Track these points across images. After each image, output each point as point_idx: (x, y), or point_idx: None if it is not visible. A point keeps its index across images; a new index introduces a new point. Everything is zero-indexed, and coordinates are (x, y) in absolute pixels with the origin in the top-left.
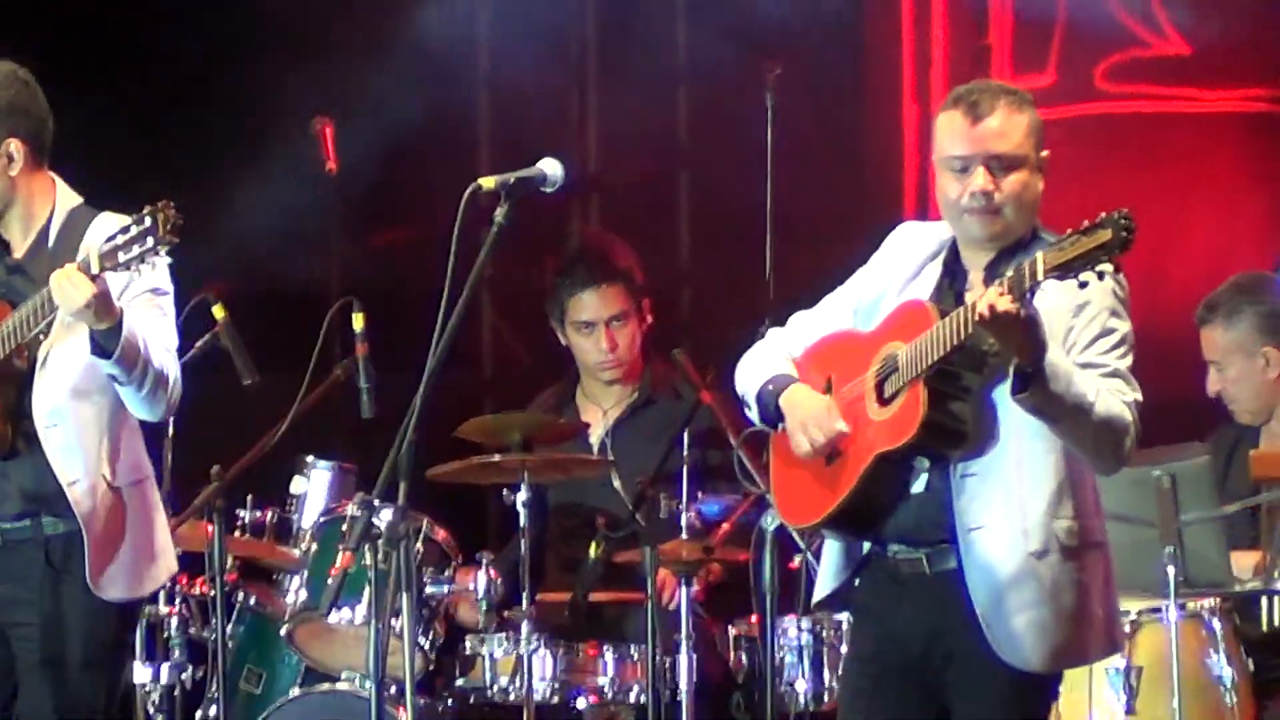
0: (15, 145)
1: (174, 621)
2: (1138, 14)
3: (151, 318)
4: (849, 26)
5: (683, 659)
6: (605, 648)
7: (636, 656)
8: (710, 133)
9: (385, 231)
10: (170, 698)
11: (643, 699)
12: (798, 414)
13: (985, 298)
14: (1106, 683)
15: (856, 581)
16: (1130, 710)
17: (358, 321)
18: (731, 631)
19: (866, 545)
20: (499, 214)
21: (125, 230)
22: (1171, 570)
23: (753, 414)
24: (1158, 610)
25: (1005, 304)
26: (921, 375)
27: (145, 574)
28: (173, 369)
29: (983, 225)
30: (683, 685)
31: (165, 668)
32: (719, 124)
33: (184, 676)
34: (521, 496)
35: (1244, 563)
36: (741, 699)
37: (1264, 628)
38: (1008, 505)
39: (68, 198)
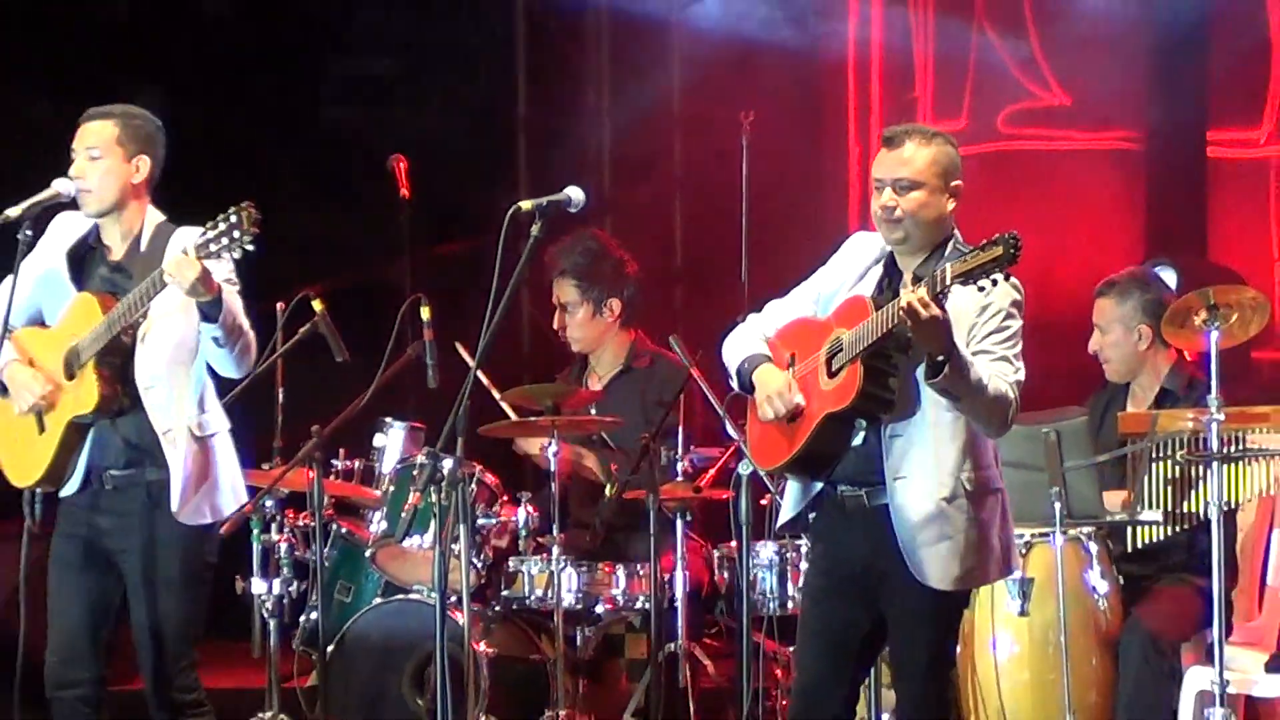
0: (145, 162)
1: (283, 546)
2: (1029, 72)
3: (232, 298)
4: (807, 83)
5: (679, 575)
6: (618, 566)
7: (642, 573)
8: (698, 166)
9: (446, 243)
10: (280, 605)
11: (647, 606)
12: (765, 389)
13: (905, 297)
14: (1006, 590)
15: (812, 514)
16: (1023, 612)
17: (425, 313)
18: (716, 554)
19: (819, 485)
20: (535, 229)
21: (215, 225)
22: (1057, 505)
23: (734, 383)
24: (1046, 535)
25: (922, 303)
26: (860, 355)
27: (218, 505)
28: (252, 337)
29: (888, 230)
30: (679, 595)
31: (276, 582)
32: (705, 160)
33: (291, 589)
34: (552, 448)
35: (1114, 499)
36: (724, 605)
37: (1129, 549)
38: (925, 460)
39: (155, 216)
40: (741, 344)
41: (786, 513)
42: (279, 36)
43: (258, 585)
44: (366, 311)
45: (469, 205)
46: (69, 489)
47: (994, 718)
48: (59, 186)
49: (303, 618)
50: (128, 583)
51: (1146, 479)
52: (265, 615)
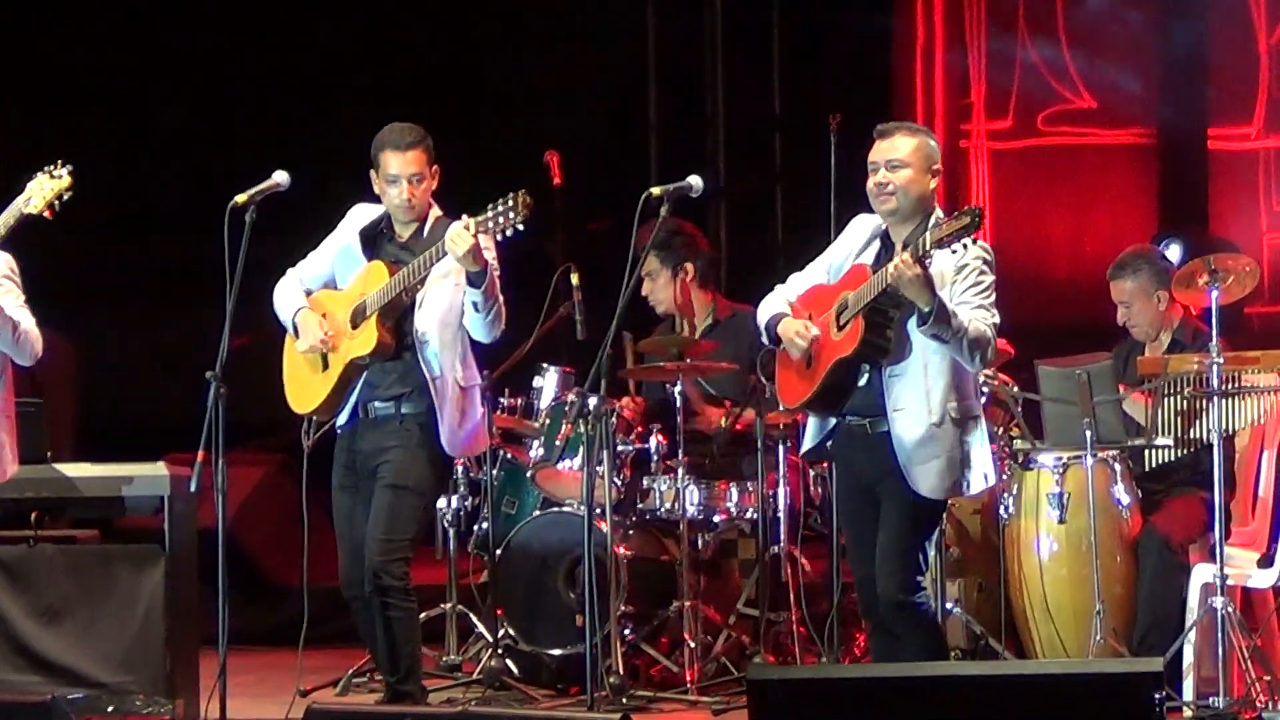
0: (437, 169)
1: (460, 468)
2: (1063, 81)
3: (494, 277)
4: (881, 90)
5: (781, 490)
6: (731, 484)
7: (751, 489)
8: (796, 160)
9: (591, 222)
10: (458, 516)
11: (755, 515)
12: (788, 332)
13: (894, 262)
14: (1046, 501)
15: (830, 443)
16: (1062, 520)
17: (574, 279)
18: (811, 473)
19: (834, 419)
20: (663, 210)
21: (495, 206)
22: (1089, 433)
23: (765, 339)
24: (1079, 457)
25: (906, 264)
26: (861, 311)
27: (472, 444)
28: (503, 311)
29: (881, 203)
30: (781, 506)
31: (454, 497)
32: (801, 154)
33: (466, 503)
34: (678, 388)
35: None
36: (818, 515)
37: (1146, 468)
38: (917, 393)
39: (435, 210)
40: (770, 307)
41: (808, 442)
42: (464, 57)
43: (440, 501)
44: (527, 278)
45: (610, 191)
46: (340, 420)
47: (1038, 607)
48: (278, 177)
49: (476, 526)
50: (375, 484)
51: (1160, 411)
52: (446, 525)
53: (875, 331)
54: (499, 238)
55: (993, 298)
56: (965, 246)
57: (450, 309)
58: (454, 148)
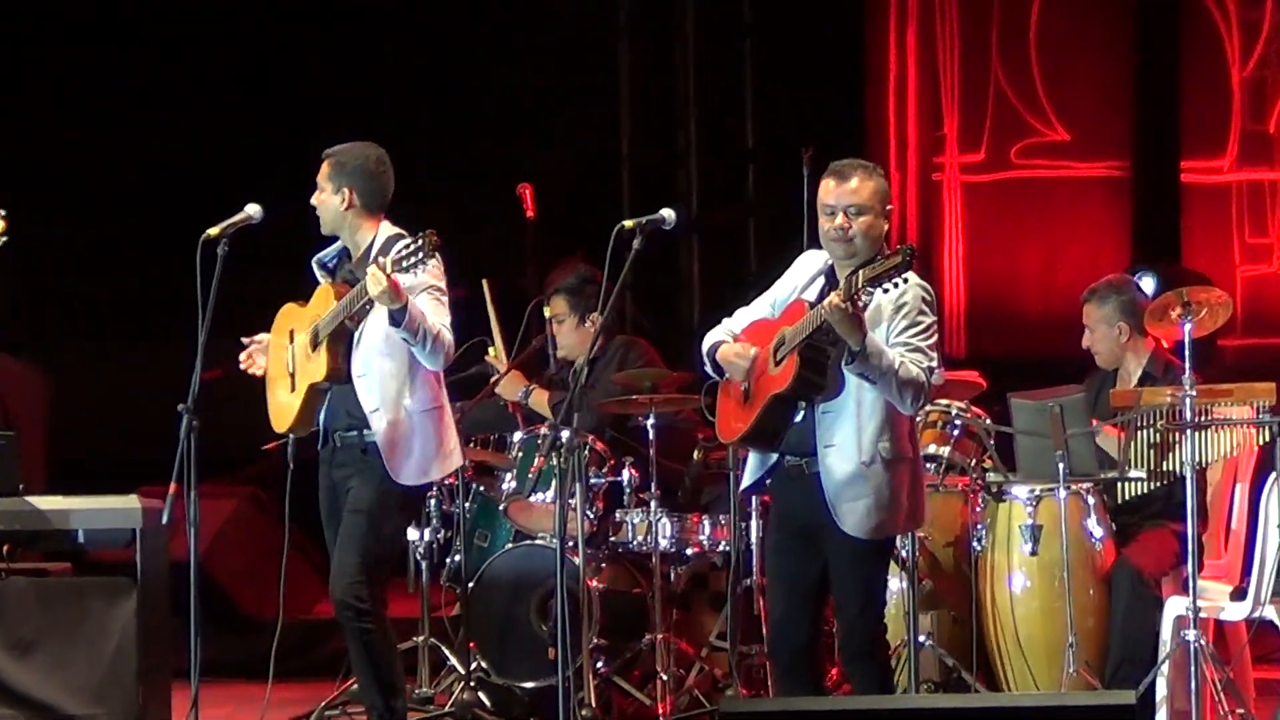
0: (348, 192)
1: (432, 501)
2: (1036, 114)
3: (430, 304)
4: (855, 123)
5: (753, 523)
6: (704, 517)
7: (723, 522)
8: (770, 194)
9: (565, 256)
10: (430, 550)
11: (727, 548)
12: (727, 356)
13: (826, 300)
14: (1019, 534)
15: (768, 481)
16: (1034, 553)
17: (547, 311)
18: None
19: (774, 457)
20: (636, 243)
21: (405, 247)
22: (1061, 465)
23: (709, 368)
24: (1052, 489)
25: (839, 304)
26: (796, 347)
27: (431, 469)
28: (447, 336)
29: (840, 249)
30: (753, 539)
31: (427, 530)
32: (773, 187)
33: (438, 536)
34: (651, 420)
35: (1108, 433)
36: None
37: (1119, 501)
38: (849, 431)
39: (387, 230)
40: (712, 339)
41: (747, 479)
42: (438, 91)
43: (412, 533)
44: (502, 309)
45: (582, 224)
46: (319, 443)
47: (1010, 640)
48: (249, 210)
49: (448, 559)
50: (343, 511)
51: (1133, 444)
52: (418, 558)
53: (811, 368)
54: (414, 274)
55: (932, 339)
56: (896, 285)
57: (386, 339)
58: (427, 180)
